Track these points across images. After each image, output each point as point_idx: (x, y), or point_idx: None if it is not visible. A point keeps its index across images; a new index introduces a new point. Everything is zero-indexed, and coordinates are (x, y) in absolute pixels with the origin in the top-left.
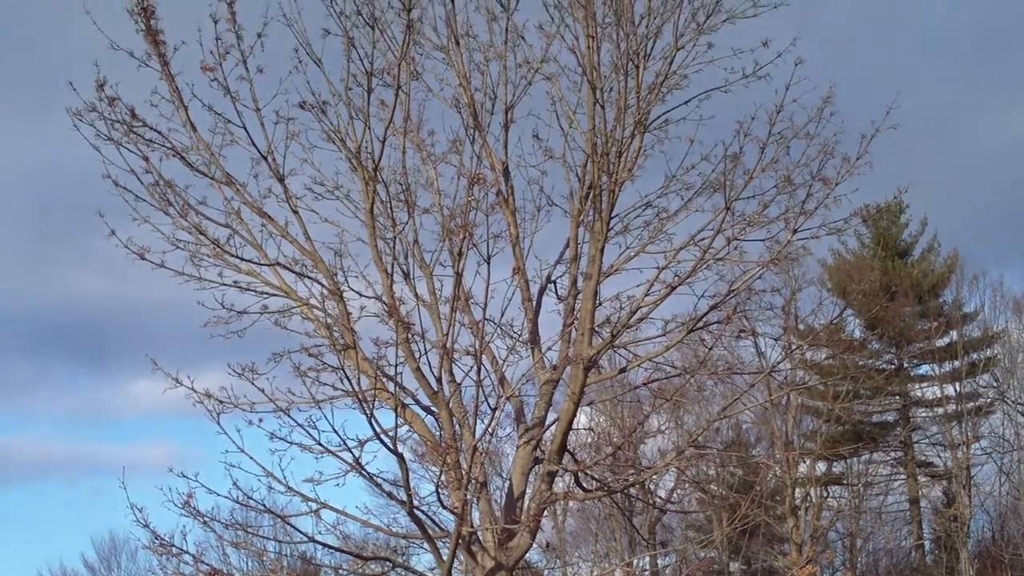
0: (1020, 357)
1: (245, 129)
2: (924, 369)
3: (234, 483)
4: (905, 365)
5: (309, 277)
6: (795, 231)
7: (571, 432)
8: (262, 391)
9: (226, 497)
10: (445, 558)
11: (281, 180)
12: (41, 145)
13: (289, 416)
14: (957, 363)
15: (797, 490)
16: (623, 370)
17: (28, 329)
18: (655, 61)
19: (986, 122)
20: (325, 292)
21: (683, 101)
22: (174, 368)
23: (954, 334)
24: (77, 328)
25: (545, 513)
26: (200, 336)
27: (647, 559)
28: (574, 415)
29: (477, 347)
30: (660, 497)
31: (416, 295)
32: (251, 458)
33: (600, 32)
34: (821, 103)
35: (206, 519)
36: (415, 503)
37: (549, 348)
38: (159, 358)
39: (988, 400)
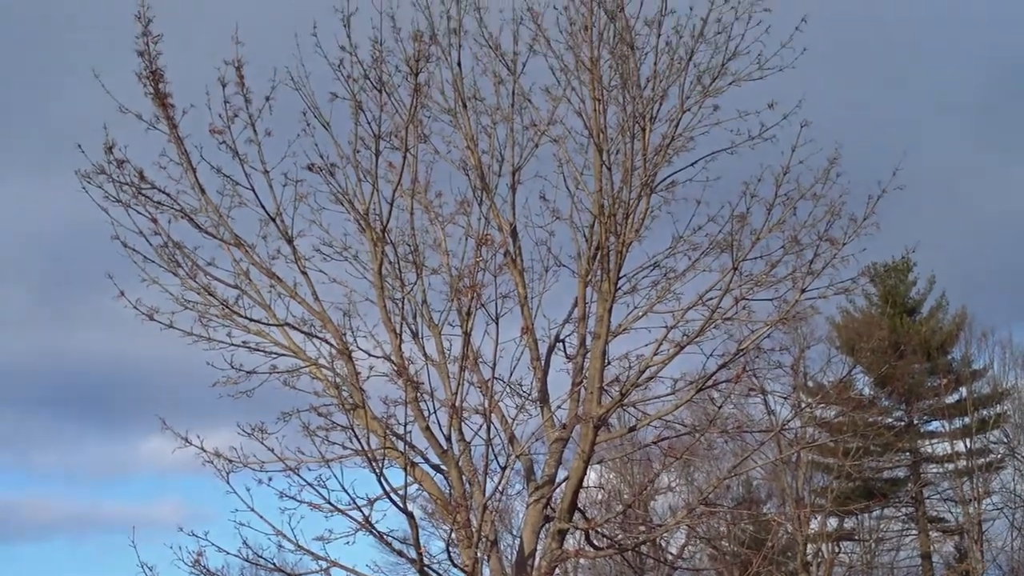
0: None
1: (254, 191)
2: (934, 425)
3: (244, 542)
4: (915, 422)
5: (318, 337)
6: (803, 291)
7: (581, 490)
8: (271, 450)
9: (236, 556)
10: None
11: (290, 241)
12: (50, 205)
13: (299, 475)
14: (967, 419)
15: (809, 546)
16: (633, 428)
17: (39, 387)
18: (661, 123)
19: (993, 179)
20: (334, 352)
21: (690, 163)
22: (184, 427)
23: (964, 391)
24: (87, 386)
25: (556, 571)
26: (210, 395)
27: None
28: (584, 473)
29: (487, 406)
30: (671, 554)
31: (425, 354)
32: (261, 517)
33: (606, 95)
34: (827, 164)
35: None
36: (426, 561)
37: (559, 407)
38: (169, 416)
39: (999, 456)
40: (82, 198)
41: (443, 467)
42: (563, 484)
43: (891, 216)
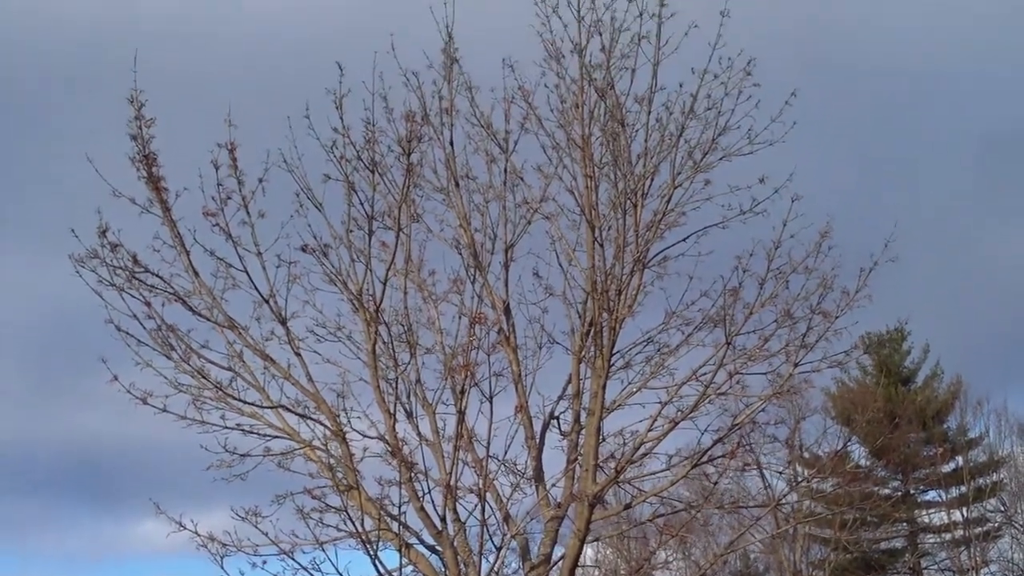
0: None
1: (247, 273)
2: (931, 495)
3: None
4: (911, 491)
5: (312, 419)
6: (796, 365)
7: (578, 568)
8: (265, 534)
9: None
10: None
11: (283, 323)
12: (44, 288)
13: (293, 558)
14: (964, 488)
15: None
16: (628, 506)
17: (33, 470)
18: (653, 199)
19: (988, 247)
20: (328, 433)
21: (682, 238)
22: (179, 509)
23: (960, 459)
24: (82, 469)
25: None
26: (204, 477)
27: None
28: (580, 551)
29: (481, 485)
30: None
31: (419, 434)
32: None
33: (598, 172)
34: (819, 237)
35: None
36: None
37: (553, 484)
38: (164, 498)
39: (996, 524)
40: (76, 281)
41: (438, 548)
42: (559, 563)
43: (885, 285)
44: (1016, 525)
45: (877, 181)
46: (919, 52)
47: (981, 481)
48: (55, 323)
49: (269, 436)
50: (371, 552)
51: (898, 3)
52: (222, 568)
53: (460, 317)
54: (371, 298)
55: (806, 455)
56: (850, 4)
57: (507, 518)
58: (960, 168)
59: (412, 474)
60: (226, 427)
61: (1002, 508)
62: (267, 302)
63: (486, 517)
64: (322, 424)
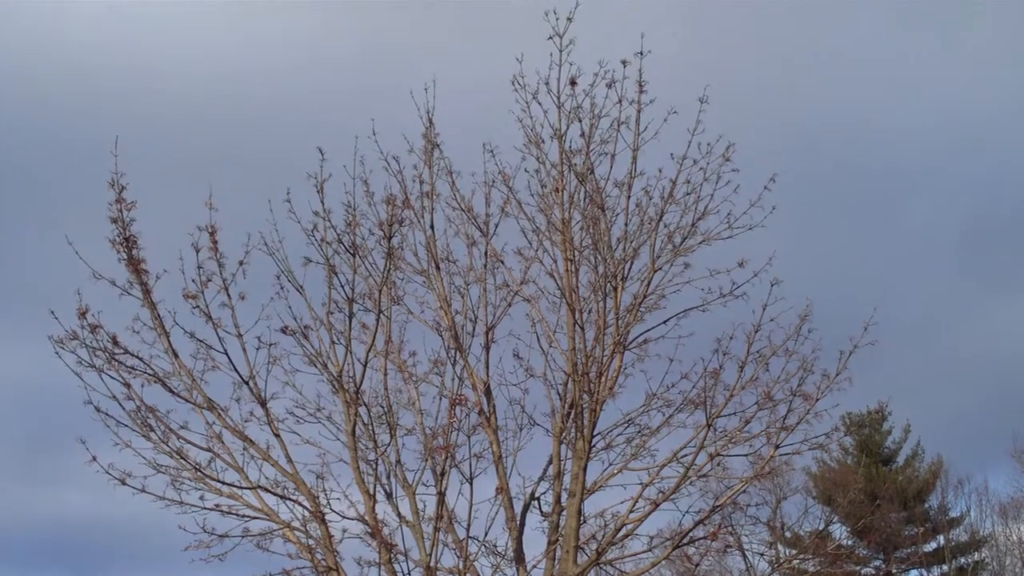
0: (1008, 560)
1: (227, 354)
2: (913, 574)
3: None
4: (894, 571)
5: (291, 499)
6: (777, 447)
7: None
8: None
9: None
10: None
11: (263, 404)
12: (23, 368)
13: None
14: (945, 567)
15: None
16: None
17: (20, 546)
18: (633, 282)
19: (967, 327)
20: (307, 514)
21: (662, 320)
22: None
23: (941, 539)
24: (67, 545)
25: None
26: (183, 558)
27: None
28: None
29: (462, 566)
30: None
31: (399, 515)
32: None
33: (578, 255)
34: (799, 321)
35: None
36: None
37: (534, 566)
38: None
39: None
40: (55, 362)
41: None
42: None
43: (865, 364)
44: None
45: (857, 265)
46: (902, 146)
47: (963, 560)
48: (35, 403)
49: (248, 517)
50: None
51: (883, 99)
52: None
53: (441, 398)
54: (351, 379)
55: (788, 535)
56: (835, 98)
57: None
58: (940, 255)
59: (392, 555)
60: (205, 508)
61: None
62: (247, 383)
63: None
64: (301, 505)
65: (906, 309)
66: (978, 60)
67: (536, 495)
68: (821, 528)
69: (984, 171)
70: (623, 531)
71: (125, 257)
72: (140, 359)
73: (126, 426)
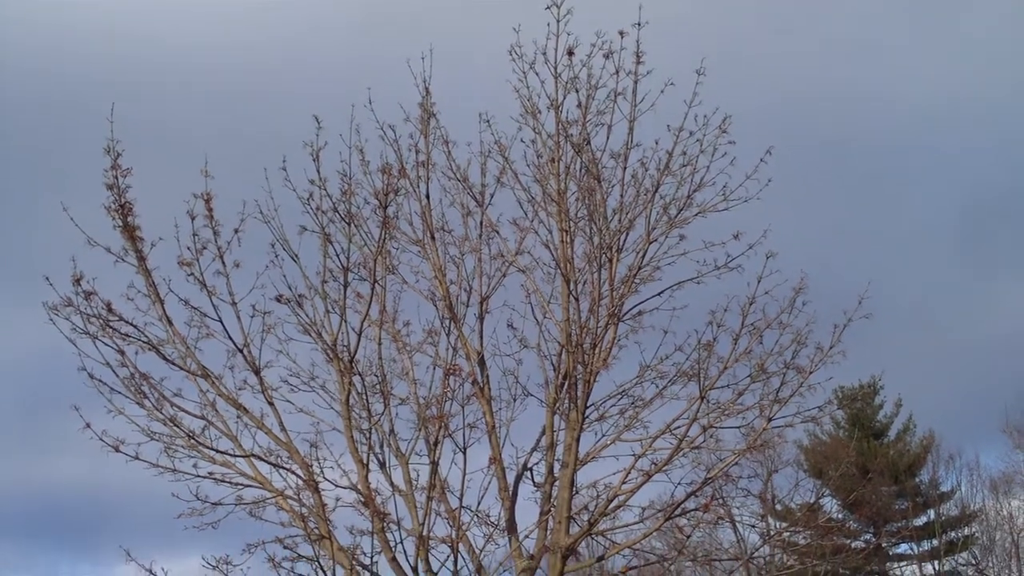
0: (998, 535)
1: (221, 322)
2: (903, 548)
3: None
4: (884, 544)
5: (284, 468)
6: (770, 419)
7: None
8: None
9: None
10: None
11: (257, 372)
12: (18, 335)
13: None
14: (936, 542)
15: None
16: (601, 558)
17: (9, 513)
18: (628, 254)
19: (961, 305)
20: (300, 483)
21: (656, 292)
22: (151, 556)
23: (932, 513)
24: (60, 514)
25: None
26: (176, 525)
27: None
28: None
29: (454, 536)
30: None
31: (392, 484)
32: None
33: (573, 226)
34: (793, 294)
35: None
36: None
37: (527, 536)
38: (137, 545)
39: None
40: (49, 329)
41: None
42: None
43: (859, 340)
44: None
45: (852, 241)
46: (901, 121)
47: (953, 535)
48: (30, 370)
49: (241, 485)
50: None
51: (881, 74)
52: None
53: (434, 368)
54: (345, 348)
55: (779, 507)
56: (832, 72)
57: (480, 569)
58: (937, 230)
59: (385, 524)
60: (198, 475)
61: (973, 562)
62: (241, 351)
63: (458, 568)
64: (294, 473)
65: (901, 284)
66: (980, 36)
67: (529, 465)
68: (812, 501)
69: (985, 148)
70: (615, 502)
71: (120, 224)
72: (134, 326)
73: (120, 393)
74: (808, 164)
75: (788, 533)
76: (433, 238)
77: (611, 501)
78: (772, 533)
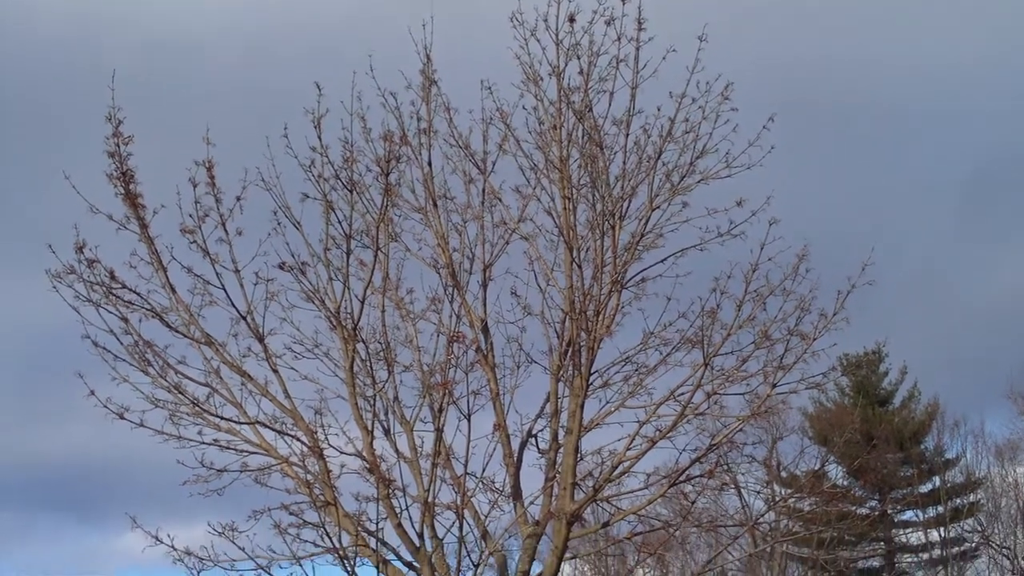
0: (1004, 501)
1: (224, 290)
2: (908, 515)
3: None
4: (889, 511)
5: (289, 435)
6: (774, 386)
7: None
8: (242, 549)
9: None
10: None
11: (261, 340)
12: (21, 303)
13: (270, 573)
14: (941, 508)
15: None
16: (606, 524)
17: (15, 482)
18: (631, 221)
19: (967, 271)
20: (305, 450)
21: (659, 259)
22: (157, 523)
23: (937, 480)
24: (64, 481)
25: None
26: (181, 492)
27: None
28: (558, 569)
29: (459, 502)
30: None
31: (397, 451)
32: None
33: (576, 194)
34: (796, 260)
35: None
36: None
37: (531, 502)
38: (143, 512)
39: (973, 544)
40: (53, 297)
41: (416, 565)
42: None
43: (864, 306)
44: (993, 545)
45: (856, 206)
46: (905, 85)
47: (958, 502)
48: (34, 339)
49: (246, 452)
50: (349, 568)
51: (884, 38)
52: None
53: (438, 335)
54: (349, 316)
55: (784, 475)
56: (833, 37)
57: (485, 535)
58: (940, 195)
59: (390, 491)
60: (203, 443)
61: (979, 528)
62: (244, 319)
63: (464, 534)
64: (299, 440)
65: (906, 250)
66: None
67: (533, 432)
68: (817, 468)
69: (990, 112)
70: (620, 468)
71: (122, 191)
72: (137, 294)
73: (124, 361)
74: (812, 129)
75: (793, 500)
76: (435, 205)
77: (615, 467)
78: (777, 500)
